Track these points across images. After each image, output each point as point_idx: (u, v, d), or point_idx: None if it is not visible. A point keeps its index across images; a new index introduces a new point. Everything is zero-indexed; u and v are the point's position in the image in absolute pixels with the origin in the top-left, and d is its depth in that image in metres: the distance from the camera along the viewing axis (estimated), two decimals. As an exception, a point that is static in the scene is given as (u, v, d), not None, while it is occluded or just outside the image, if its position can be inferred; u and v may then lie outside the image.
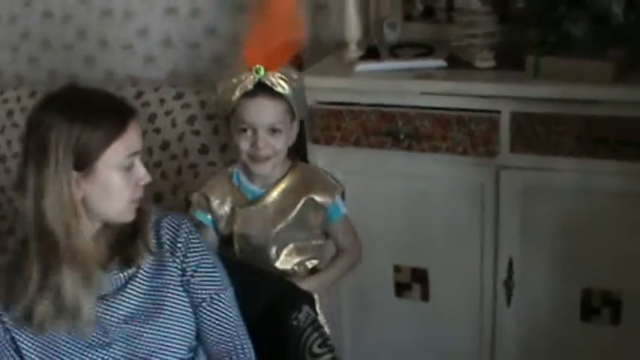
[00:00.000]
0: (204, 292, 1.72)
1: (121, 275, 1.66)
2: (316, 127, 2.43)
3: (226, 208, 2.06)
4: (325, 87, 2.39)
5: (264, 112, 1.93)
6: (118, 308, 1.65)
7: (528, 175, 2.27)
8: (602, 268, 2.30)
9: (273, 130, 1.94)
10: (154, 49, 3.22)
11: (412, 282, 2.54)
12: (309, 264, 2.10)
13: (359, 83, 2.37)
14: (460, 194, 2.37)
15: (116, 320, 1.64)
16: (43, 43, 3.43)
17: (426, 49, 2.51)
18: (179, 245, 1.71)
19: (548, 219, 2.30)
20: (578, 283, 2.34)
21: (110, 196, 1.58)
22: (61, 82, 3.39)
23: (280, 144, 1.96)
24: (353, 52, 2.51)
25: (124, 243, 1.67)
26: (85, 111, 1.55)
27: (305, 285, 2.02)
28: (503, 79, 2.26)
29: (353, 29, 2.49)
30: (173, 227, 1.72)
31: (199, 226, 2.05)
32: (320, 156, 2.47)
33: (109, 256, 1.67)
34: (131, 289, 1.67)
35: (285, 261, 2.07)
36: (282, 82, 1.91)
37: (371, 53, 2.49)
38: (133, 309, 1.66)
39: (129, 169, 1.59)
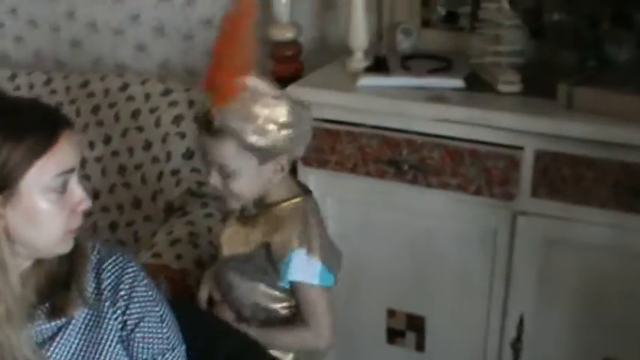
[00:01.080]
0: (145, 351, 1.45)
1: (48, 326, 1.38)
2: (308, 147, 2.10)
3: None
4: (321, 101, 2.05)
5: (209, 151, 1.63)
6: None
7: (550, 224, 1.92)
8: (626, 338, 1.96)
9: (224, 171, 1.63)
10: (145, 37, 2.90)
11: (407, 329, 2.22)
12: (281, 309, 1.78)
13: (360, 100, 2.03)
14: (469, 238, 2.04)
15: None
16: (29, 22, 3.12)
17: (443, 63, 2.17)
18: (121, 293, 1.43)
19: (570, 276, 1.96)
20: (598, 352, 2.00)
21: (38, 224, 1.30)
22: (47, 64, 3.11)
23: (237, 187, 1.64)
24: (358, 61, 2.17)
25: (55, 287, 1.40)
26: (7, 122, 1.27)
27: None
28: (530, 110, 1.90)
29: (360, 35, 2.15)
30: (117, 271, 1.45)
31: None
32: (312, 179, 2.15)
33: (36, 302, 1.39)
34: (59, 343, 1.39)
35: (245, 295, 1.77)
36: (230, 118, 1.56)
37: (379, 64, 2.14)
38: None
39: (61, 191, 1.31)
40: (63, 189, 1.31)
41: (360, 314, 2.26)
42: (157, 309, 1.47)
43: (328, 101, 2.05)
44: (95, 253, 1.46)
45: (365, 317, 2.26)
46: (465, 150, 1.93)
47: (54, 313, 1.39)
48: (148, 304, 1.45)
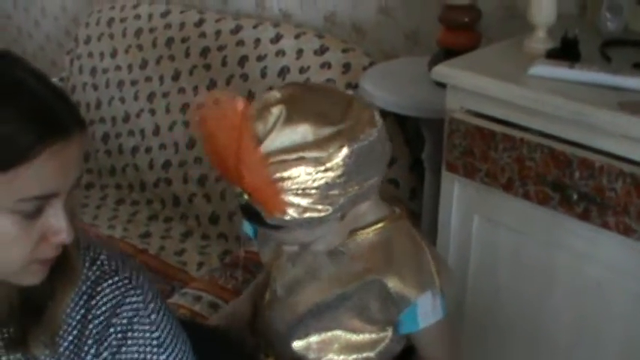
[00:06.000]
0: None
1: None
2: (455, 149, 1.59)
3: None
4: (476, 89, 1.53)
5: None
6: None
7: None
8: None
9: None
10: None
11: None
12: None
13: (526, 95, 1.48)
14: (655, 305, 1.46)
15: None
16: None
17: (660, 57, 1.56)
18: (112, 330, 1.07)
19: None
20: None
21: None
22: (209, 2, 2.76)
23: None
24: (539, 41, 1.61)
25: (28, 310, 1.05)
26: None
27: None
28: None
29: (545, 5, 1.59)
30: (115, 298, 1.09)
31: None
32: (456, 189, 1.65)
33: (4, 320, 1.05)
34: None
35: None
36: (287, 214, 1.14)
37: (568, 48, 1.57)
38: None
39: (31, 216, 0.95)
40: (35, 214, 0.95)
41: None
42: (163, 356, 1.08)
43: (485, 91, 1.52)
44: (95, 268, 1.09)
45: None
46: (664, 187, 1.34)
47: (12, 344, 1.04)
48: (147, 348, 1.08)
